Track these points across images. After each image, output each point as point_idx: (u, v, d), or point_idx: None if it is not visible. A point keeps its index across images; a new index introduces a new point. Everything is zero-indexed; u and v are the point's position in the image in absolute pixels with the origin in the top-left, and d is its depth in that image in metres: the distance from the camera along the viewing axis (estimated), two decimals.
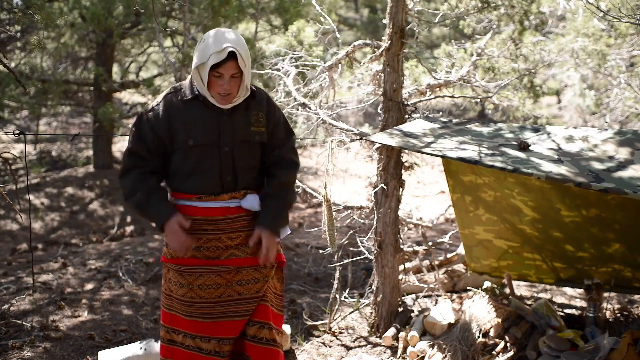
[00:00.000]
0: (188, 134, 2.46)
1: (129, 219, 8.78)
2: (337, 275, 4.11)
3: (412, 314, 4.15)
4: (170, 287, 2.60)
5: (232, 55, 2.36)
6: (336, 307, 4.12)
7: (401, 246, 4.00)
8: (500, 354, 3.49)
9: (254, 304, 2.57)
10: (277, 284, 2.73)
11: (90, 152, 11.41)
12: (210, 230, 2.53)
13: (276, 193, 2.59)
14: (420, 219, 6.69)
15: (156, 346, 3.43)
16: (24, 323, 4.06)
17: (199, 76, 2.43)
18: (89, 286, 5.02)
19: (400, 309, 4.09)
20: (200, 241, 2.53)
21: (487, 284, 4.33)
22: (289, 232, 2.74)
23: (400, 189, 3.92)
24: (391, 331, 3.86)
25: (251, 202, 2.56)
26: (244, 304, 2.55)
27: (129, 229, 8.26)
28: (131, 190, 2.50)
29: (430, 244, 4.61)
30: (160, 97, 2.56)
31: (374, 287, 4.02)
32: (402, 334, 3.78)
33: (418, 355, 3.59)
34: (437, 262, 4.88)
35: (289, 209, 2.67)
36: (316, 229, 4.13)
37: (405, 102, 3.87)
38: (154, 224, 2.51)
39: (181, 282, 2.54)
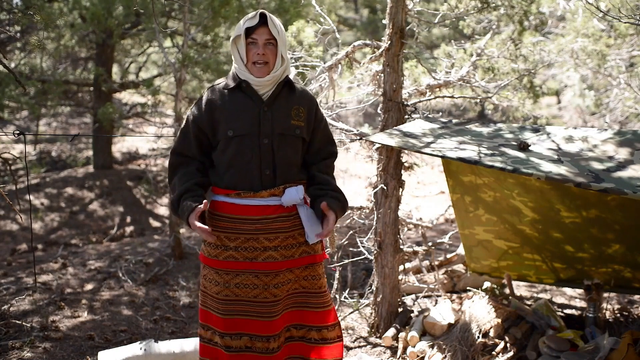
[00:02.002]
0: (228, 124, 2.48)
1: (128, 219, 8.79)
2: (337, 275, 4.11)
3: (412, 314, 4.15)
4: (205, 283, 2.60)
5: (264, 21, 2.44)
6: (336, 307, 4.12)
7: (401, 246, 4.00)
8: (500, 354, 3.49)
9: (282, 304, 2.54)
10: (307, 283, 2.63)
11: (90, 153, 11.42)
12: (249, 230, 2.50)
13: (335, 193, 2.58)
14: (420, 219, 6.70)
15: (156, 346, 3.44)
16: (23, 323, 4.06)
17: (237, 52, 2.50)
18: (89, 286, 5.02)
19: (400, 309, 4.09)
20: (238, 241, 2.51)
21: (487, 285, 4.33)
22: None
23: (400, 189, 3.92)
24: (391, 331, 3.86)
25: (291, 195, 2.51)
26: (277, 305, 2.54)
27: (129, 229, 8.26)
28: (172, 191, 2.57)
29: (430, 244, 4.61)
30: (204, 91, 2.62)
31: (373, 288, 4.02)
32: (402, 334, 3.78)
33: (418, 356, 3.59)
34: (437, 263, 4.88)
35: (344, 208, 2.62)
36: None
37: (405, 103, 3.87)
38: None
39: (217, 280, 2.53)
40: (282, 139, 2.50)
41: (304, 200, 2.58)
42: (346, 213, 4.19)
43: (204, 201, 2.44)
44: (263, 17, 2.45)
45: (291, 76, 3.99)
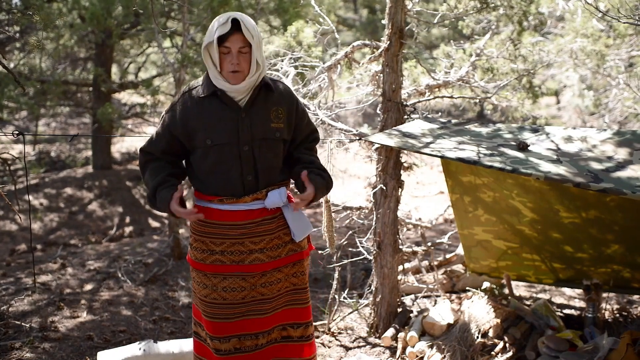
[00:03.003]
0: (206, 133, 2.42)
1: (127, 219, 8.78)
2: (336, 275, 4.11)
3: (411, 315, 4.15)
4: (194, 285, 2.60)
5: (237, 27, 2.33)
6: (335, 307, 4.12)
7: (400, 246, 4.00)
8: (499, 354, 3.49)
9: (275, 302, 2.55)
10: (296, 280, 2.64)
11: (89, 153, 11.41)
12: (234, 235, 2.49)
13: (319, 171, 2.56)
14: (420, 219, 6.68)
15: (155, 347, 3.43)
16: (23, 324, 4.06)
17: (210, 59, 2.41)
18: (88, 287, 5.02)
19: (399, 310, 4.09)
20: (223, 245, 2.50)
21: (486, 285, 4.33)
22: (313, 229, 2.70)
23: (400, 190, 3.92)
24: (390, 331, 3.86)
25: (274, 198, 2.49)
26: (266, 303, 2.54)
27: (128, 229, 8.26)
28: (146, 186, 2.54)
29: (429, 244, 4.61)
30: (178, 96, 2.54)
31: (373, 288, 4.02)
32: (401, 335, 3.78)
33: (417, 356, 3.59)
34: (436, 263, 4.88)
35: (328, 187, 2.59)
36: (315, 229, 4.13)
37: (404, 103, 3.88)
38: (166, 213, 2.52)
39: (205, 282, 2.52)
40: (263, 144, 2.46)
41: (288, 200, 2.57)
42: (345, 213, 4.19)
43: (178, 186, 2.42)
44: (236, 22, 2.33)
45: (291, 76, 4.00)
